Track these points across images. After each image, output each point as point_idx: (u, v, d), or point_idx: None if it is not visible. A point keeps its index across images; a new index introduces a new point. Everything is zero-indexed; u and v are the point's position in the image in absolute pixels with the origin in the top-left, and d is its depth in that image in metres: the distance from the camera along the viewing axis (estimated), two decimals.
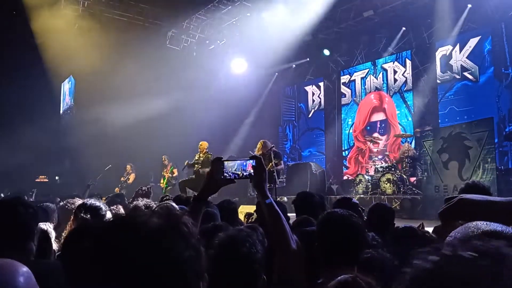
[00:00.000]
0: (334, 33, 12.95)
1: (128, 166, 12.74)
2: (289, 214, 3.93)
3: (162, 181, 12.26)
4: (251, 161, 1.85)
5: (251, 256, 1.52)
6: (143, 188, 4.06)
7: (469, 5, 10.32)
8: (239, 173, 1.87)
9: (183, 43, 14.39)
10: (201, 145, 10.58)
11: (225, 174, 1.87)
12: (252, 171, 1.83)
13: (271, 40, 12.13)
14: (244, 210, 7.76)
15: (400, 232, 2.60)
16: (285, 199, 9.81)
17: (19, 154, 11.19)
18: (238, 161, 1.89)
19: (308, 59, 14.27)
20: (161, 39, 13.81)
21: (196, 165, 10.34)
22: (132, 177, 12.61)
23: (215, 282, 1.16)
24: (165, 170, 12.29)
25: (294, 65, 14.74)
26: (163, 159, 12.40)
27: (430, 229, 2.96)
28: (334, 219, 1.84)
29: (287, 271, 1.66)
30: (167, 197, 5.20)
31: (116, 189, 11.98)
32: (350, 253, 1.74)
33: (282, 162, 10.04)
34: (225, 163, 1.88)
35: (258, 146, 9.26)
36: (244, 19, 12.65)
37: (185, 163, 10.62)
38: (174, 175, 12.15)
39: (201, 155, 10.38)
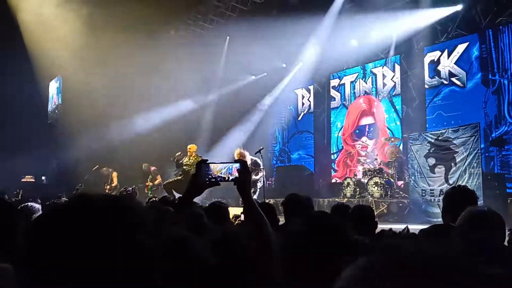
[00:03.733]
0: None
1: (104, 169, 12.23)
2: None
3: (146, 188, 11.97)
4: (237, 164, 1.85)
5: (241, 255, 1.52)
6: (128, 188, 3.99)
7: (458, 9, 10.48)
8: (225, 176, 1.86)
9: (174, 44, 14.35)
10: (190, 148, 10.51)
11: (210, 176, 1.86)
12: (237, 174, 1.84)
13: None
14: (232, 212, 7.77)
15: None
16: (272, 201, 9.81)
17: (5, 153, 11.05)
18: (224, 164, 1.89)
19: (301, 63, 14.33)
20: (152, 40, 13.75)
21: (184, 166, 10.29)
22: (114, 175, 12.24)
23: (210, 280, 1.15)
24: (148, 178, 12.00)
25: (286, 68, 14.78)
26: (144, 166, 12.08)
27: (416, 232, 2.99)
28: (318, 221, 1.84)
29: (270, 273, 1.65)
30: (154, 199, 5.18)
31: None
32: (333, 256, 1.73)
33: (261, 169, 10.10)
34: (211, 165, 1.87)
35: (235, 155, 9.23)
36: None
37: (176, 156, 10.48)
38: (156, 182, 11.94)
39: (190, 158, 10.33)
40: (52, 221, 0.74)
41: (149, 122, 13.22)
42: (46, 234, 0.72)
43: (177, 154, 10.51)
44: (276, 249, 1.69)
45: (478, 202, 5.09)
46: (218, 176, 1.86)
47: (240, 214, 4.68)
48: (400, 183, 10.41)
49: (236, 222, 4.85)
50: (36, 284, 0.71)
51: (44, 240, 0.72)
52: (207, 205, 3.99)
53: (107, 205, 0.76)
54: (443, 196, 3.01)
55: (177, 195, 9.26)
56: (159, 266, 0.78)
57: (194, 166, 7.95)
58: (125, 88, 12.56)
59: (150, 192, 11.61)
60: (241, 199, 1.86)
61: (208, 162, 1.88)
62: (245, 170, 1.82)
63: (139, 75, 12.86)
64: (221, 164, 1.88)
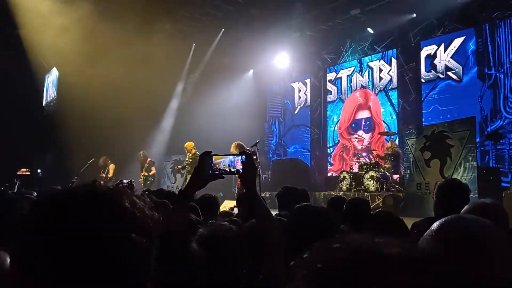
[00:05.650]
0: (321, 30, 12.98)
1: (102, 159, 12.14)
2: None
3: (141, 179, 11.88)
4: (240, 157, 1.81)
5: (233, 250, 1.51)
6: (124, 181, 3.96)
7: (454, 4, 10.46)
8: (227, 168, 1.81)
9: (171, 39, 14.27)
10: (187, 146, 10.34)
11: (213, 168, 1.80)
12: (240, 167, 1.80)
13: None
14: (228, 204, 7.81)
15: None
16: (268, 194, 9.84)
17: (0, 146, 11.00)
18: (227, 157, 1.85)
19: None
20: (150, 33, 13.65)
21: (186, 166, 10.22)
22: (111, 168, 12.12)
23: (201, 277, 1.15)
24: (143, 168, 11.90)
25: (282, 62, 14.72)
26: (141, 155, 11.97)
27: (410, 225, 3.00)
28: (307, 210, 1.85)
29: (274, 267, 1.64)
30: (148, 191, 5.17)
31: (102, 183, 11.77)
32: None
33: (257, 162, 10.04)
34: (214, 158, 1.81)
35: (232, 148, 9.12)
36: None
37: (176, 168, 10.52)
38: (151, 173, 11.85)
39: (190, 156, 10.21)
40: (37, 215, 0.74)
41: (147, 116, 13.16)
42: (32, 227, 0.72)
43: (176, 167, 10.48)
44: (281, 243, 1.68)
45: (473, 196, 5.11)
46: (221, 168, 1.80)
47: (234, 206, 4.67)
48: (395, 176, 10.45)
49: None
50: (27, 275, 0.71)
51: (30, 233, 0.71)
52: (198, 197, 3.97)
53: (96, 202, 0.74)
54: (435, 189, 3.01)
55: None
56: (150, 266, 0.75)
57: (191, 163, 7.83)
58: (121, 81, 12.47)
59: (143, 183, 11.55)
60: (236, 192, 1.85)
61: (211, 154, 1.82)
62: (250, 163, 1.78)
63: (135, 68, 12.77)
64: (224, 156, 1.83)
